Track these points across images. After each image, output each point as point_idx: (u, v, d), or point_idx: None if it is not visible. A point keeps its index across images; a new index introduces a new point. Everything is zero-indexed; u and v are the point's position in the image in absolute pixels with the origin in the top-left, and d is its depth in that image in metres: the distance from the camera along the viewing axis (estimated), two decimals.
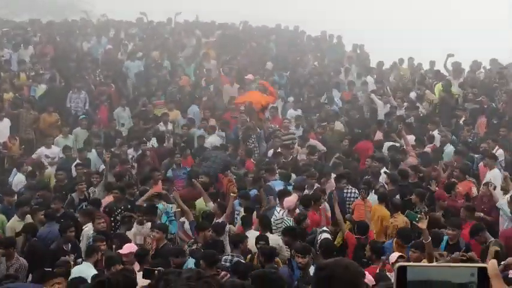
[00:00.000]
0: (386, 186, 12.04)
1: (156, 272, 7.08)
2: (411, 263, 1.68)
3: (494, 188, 11.22)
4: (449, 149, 13.95)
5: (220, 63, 20.75)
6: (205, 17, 25.75)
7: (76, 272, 8.10)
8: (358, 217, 10.82)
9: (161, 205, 11.13)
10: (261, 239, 9.16)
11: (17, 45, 20.52)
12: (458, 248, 8.92)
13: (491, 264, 1.63)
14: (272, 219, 10.61)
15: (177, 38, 23.47)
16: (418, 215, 8.06)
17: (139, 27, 25.09)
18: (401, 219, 10.36)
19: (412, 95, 18.08)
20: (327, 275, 2.92)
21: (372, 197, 11.49)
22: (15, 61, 19.52)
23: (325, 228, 10.16)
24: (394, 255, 8.19)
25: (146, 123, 16.65)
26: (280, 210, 10.85)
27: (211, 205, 11.21)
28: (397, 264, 1.67)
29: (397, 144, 14.24)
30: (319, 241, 9.49)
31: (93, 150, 14.82)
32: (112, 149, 14.71)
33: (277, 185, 11.97)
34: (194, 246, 9.44)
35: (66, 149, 14.95)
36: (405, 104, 17.23)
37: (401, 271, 1.66)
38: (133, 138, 15.46)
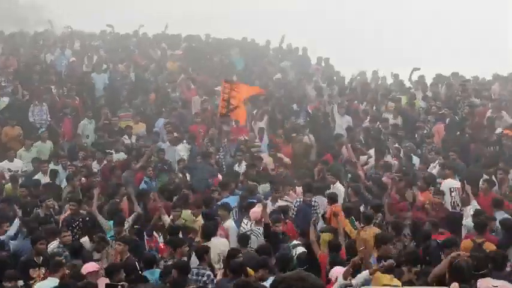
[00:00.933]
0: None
1: (119, 287, 7.03)
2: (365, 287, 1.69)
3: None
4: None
5: (187, 76, 20.70)
6: (172, 29, 25.74)
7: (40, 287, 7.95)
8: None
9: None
10: (237, 252, 9.08)
11: None
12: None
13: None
14: (240, 231, 10.63)
15: (143, 50, 23.37)
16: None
17: (103, 39, 24.92)
18: (370, 232, 10.17)
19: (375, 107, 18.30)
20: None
21: None
22: None
23: (295, 242, 10.18)
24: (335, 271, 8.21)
25: (110, 136, 16.47)
26: (247, 222, 10.85)
27: (166, 218, 11.17)
28: None
29: (365, 157, 14.40)
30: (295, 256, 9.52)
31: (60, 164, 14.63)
32: (75, 162, 14.58)
33: (231, 201, 11.87)
34: (170, 262, 9.35)
35: (35, 160, 14.72)
36: (368, 117, 17.40)
37: None
38: (98, 151, 15.29)
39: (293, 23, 29.91)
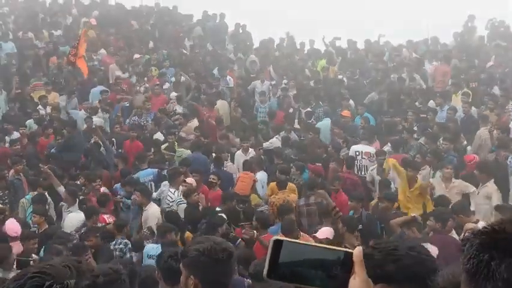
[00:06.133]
0: None
1: (31, 262, 6.86)
2: (288, 239, 1.74)
3: None
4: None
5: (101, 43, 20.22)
6: None
7: None
8: (239, 189, 11.11)
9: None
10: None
11: None
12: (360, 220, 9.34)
13: (357, 251, 1.73)
14: (167, 201, 10.60)
15: (53, 17, 22.63)
16: None
17: (10, 6, 23.97)
18: (282, 197, 10.38)
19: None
20: None
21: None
22: None
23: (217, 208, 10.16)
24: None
25: (23, 107, 15.92)
26: (174, 191, 10.76)
27: (61, 189, 10.97)
28: (274, 237, 1.73)
29: None
30: None
31: None
32: None
33: (146, 175, 11.77)
34: None
35: None
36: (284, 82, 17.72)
37: (277, 245, 1.71)
38: (9, 122, 14.79)
39: None
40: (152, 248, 8.29)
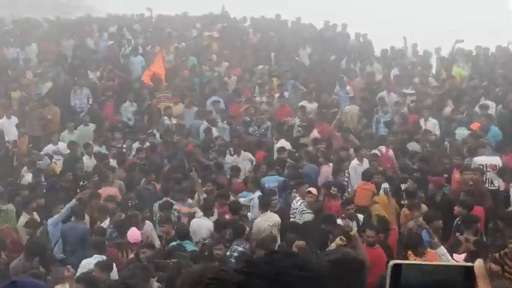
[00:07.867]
0: None
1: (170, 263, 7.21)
2: (405, 261, 1.69)
3: None
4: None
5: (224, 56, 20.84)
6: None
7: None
8: (358, 199, 11.01)
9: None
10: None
11: (24, 44, 20.70)
12: None
13: (478, 264, 1.64)
14: (291, 210, 10.90)
15: (181, 31, 23.57)
16: None
17: (140, 22, 25.19)
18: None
19: (416, 81, 18.20)
20: None
21: None
22: (22, 59, 19.68)
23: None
24: None
25: (151, 118, 16.64)
26: (298, 200, 10.90)
27: (203, 197, 11.22)
28: (392, 262, 1.67)
29: None
30: None
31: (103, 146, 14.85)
32: (113, 143, 14.82)
33: (272, 181, 11.93)
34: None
35: (71, 144, 14.61)
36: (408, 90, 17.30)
37: (396, 269, 1.66)
38: (138, 132, 15.49)
39: None
40: None
